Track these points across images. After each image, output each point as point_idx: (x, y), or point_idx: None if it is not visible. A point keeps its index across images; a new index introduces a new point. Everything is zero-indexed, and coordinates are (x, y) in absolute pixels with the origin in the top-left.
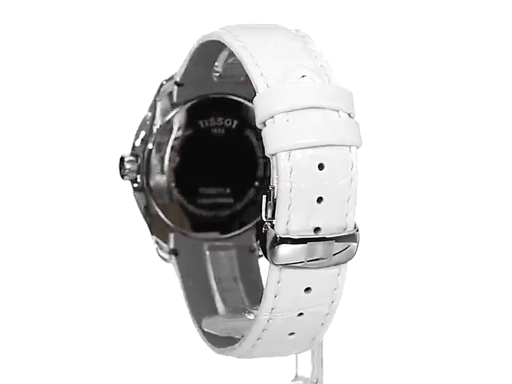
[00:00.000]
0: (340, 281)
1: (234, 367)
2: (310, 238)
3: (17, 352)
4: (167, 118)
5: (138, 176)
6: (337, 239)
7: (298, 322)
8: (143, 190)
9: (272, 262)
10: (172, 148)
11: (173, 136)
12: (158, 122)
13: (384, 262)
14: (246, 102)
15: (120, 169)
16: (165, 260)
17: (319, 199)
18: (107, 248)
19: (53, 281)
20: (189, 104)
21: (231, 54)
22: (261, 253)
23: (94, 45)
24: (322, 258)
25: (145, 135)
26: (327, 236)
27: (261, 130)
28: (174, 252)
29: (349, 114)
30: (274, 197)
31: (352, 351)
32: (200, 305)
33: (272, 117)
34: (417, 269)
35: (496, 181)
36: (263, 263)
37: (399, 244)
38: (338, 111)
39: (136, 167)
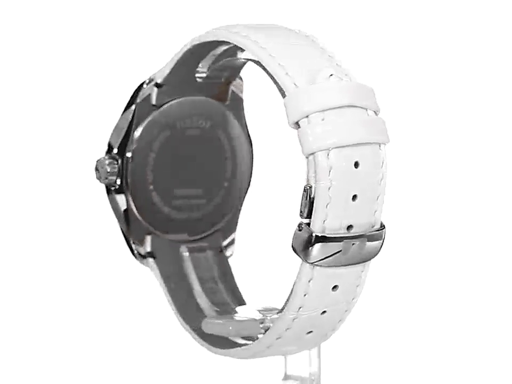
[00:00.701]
0: (363, 278)
1: (221, 367)
2: (345, 236)
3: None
4: (147, 119)
5: (118, 179)
6: (367, 236)
7: (320, 320)
8: (123, 192)
9: (306, 261)
10: (151, 149)
11: (152, 138)
12: (137, 124)
13: (383, 262)
14: (219, 103)
15: (101, 173)
16: (142, 263)
17: (354, 197)
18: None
19: (37, 285)
20: (167, 106)
21: (222, 55)
22: (229, 253)
23: (67, 49)
24: (354, 256)
25: (124, 137)
26: (359, 234)
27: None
28: (151, 255)
29: (374, 111)
30: (312, 196)
31: (348, 349)
32: (187, 307)
33: (307, 116)
34: (416, 269)
35: (497, 179)
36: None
37: (398, 244)
38: (367, 109)
39: (117, 169)
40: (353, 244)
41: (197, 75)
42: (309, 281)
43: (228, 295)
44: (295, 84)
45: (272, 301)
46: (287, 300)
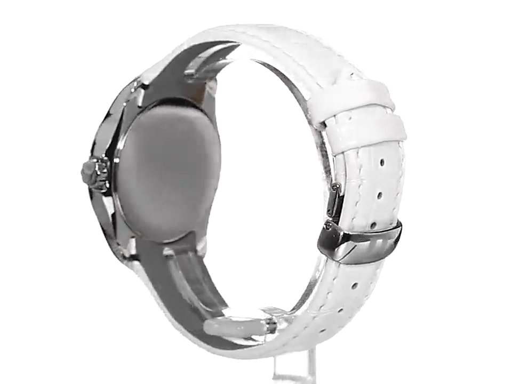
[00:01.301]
0: (377, 275)
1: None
2: (371, 234)
3: None
4: (133, 122)
5: (107, 182)
6: (388, 234)
7: (335, 318)
8: (111, 195)
9: (332, 259)
10: (137, 151)
11: (138, 140)
12: (125, 127)
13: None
14: (195, 104)
15: (91, 176)
16: (127, 265)
17: (379, 195)
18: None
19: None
20: (151, 107)
21: (213, 57)
22: (203, 254)
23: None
24: (378, 253)
25: (113, 140)
26: (382, 231)
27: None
28: (135, 257)
29: (391, 108)
30: (341, 194)
31: (341, 348)
32: (180, 309)
33: (334, 115)
34: (415, 268)
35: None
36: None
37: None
38: (385, 107)
39: (107, 172)
40: (377, 241)
41: (184, 76)
42: (334, 279)
43: (212, 295)
44: (318, 84)
45: (250, 301)
46: (304, 298)
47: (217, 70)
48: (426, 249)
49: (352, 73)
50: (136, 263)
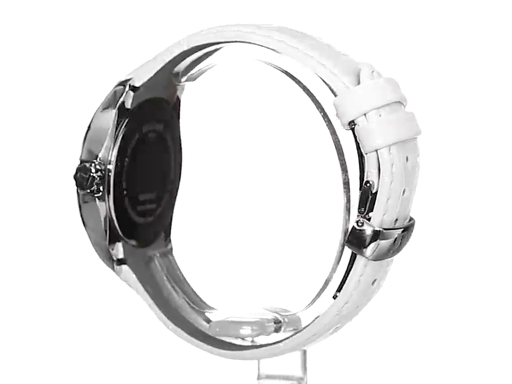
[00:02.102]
0: (387, 272)
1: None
2: (396, 230)
3: None
4: (124, 124)
5: (101, 186)
6: (407, 229)
7: (351, 314)
8: (104, 200)
9: (363, 256)
10: (126, 154)
11: (126, 143)
12: (117, 130)
13: None
14: (167, 104)
15: (88, 180)
16: (115, 270)
17: (404, 191)
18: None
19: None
20: (136, 109)
21: (200, 59)
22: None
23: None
24: (399, 249)
25: (107, 143)
26: (403, 226)
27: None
28: (123, 261)
29: (404, 105)
30: (374, 191)
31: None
32: (177, 311)
33: (364, 114)
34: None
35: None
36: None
37: None
38: (402, 103)
39: (103, 176)
40: (399, 237)
41: (172, 77)
42: (360, 276)
43: (196, 296)
44: (343, 83)
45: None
46: (316, 298)
47: (203, 71)
48: (425, 249)
49: (372, 71)
50: (125, 267)
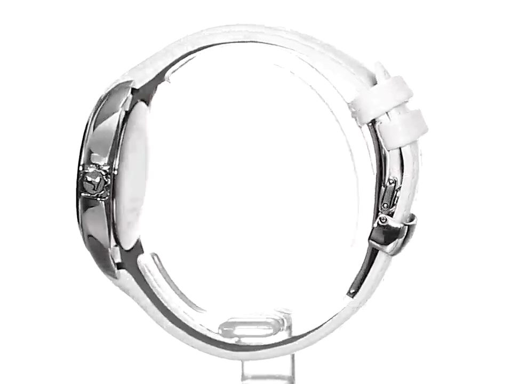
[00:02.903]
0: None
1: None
2: (410, 225)
3: None
4: (124, 127)
5: (108, 190)
6: (415, 224)
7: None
8: (109, 204)
9: (385, 252)
10: (124, 156)
11: (125, 145)
12: (120, 133)
13: None
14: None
15: (97, 186)
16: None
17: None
18: None
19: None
20: (131, 111)
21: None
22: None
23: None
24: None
25: (112, 147)
26: (413, 222)
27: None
28: (121, 266)
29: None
30: (397, 188)
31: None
32: (171, 312)
33: (387, 113)
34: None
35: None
36: None
37: None
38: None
39: (111, 180)
40: (411, 232)
41: (165, 78)
42: (380, 271)
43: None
44: (361, 82)
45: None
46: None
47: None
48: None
49: (384, 71)
50: (123, 271)
